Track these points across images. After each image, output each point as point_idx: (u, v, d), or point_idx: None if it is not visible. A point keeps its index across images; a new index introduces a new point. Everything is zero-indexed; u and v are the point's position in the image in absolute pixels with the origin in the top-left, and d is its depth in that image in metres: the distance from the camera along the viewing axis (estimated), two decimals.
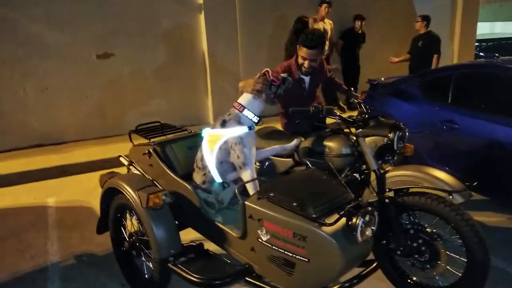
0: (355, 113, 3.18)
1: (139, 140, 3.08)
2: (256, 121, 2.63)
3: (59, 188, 4.98)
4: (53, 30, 6.17)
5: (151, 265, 2.64)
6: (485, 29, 17.18)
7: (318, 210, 1.98)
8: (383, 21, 8.49)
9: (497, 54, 4.16)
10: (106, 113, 6.73)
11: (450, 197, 2.37)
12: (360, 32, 7.77)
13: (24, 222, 4.08)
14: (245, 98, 2.64)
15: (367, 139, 2.61)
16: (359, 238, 1.94)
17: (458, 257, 2.38)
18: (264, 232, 2.12)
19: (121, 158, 3.27)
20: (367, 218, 1.97)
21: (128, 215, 2.81)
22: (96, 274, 3.15)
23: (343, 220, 1.95)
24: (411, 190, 2.46)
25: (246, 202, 2.20)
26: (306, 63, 3.20)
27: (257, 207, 2.14)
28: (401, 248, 2.45)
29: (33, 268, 3.27)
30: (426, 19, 6.98)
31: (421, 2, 8.80)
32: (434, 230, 2.41)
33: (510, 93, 3.59)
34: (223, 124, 2.60)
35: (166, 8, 6.81)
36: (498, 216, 3.77)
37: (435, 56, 6.88)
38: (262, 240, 2.15)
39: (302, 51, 3.17)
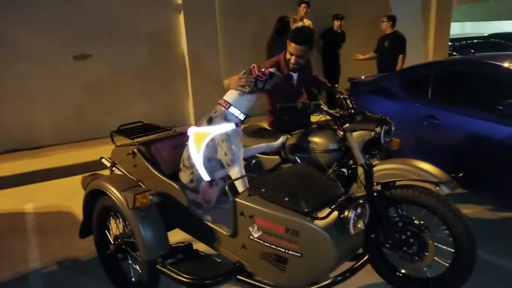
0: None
1: (121, 141, 3.01)
2: (242, 118, 2.60)
3: (37, 193, 4.84)
4: (28, 30, 5.99)
5: (138, 268, 2.58)
6: (457, 29, 17.67)
7: (310, 205, 1.98)
8: (363, 21, 8.58)
9: (472, 51, 4.27)
10: (85, 116, 6.58)
11: (437, 188, 2.41)
12: (339, 31, 7.84)
13: (2, 229, 3.94)
14: (230, 95, 2.60)
15: (354, 133, 2.63)
16: (352, 231, 1.95)
17: (445, 247, 2.42)
18: (255, 228, 2.10)
19: (103, 160, 3.19)
20: (359, 210, 1.98)
21: (112, 218, 2.74)
22: (81, 279, 3.06)
23: (335, 213, 1.95)
24: (398, 183, 2.48)
25: (237, 199, 2.17)
26: (293, 59, 3.20)
27: (249, 204, 2.11)
28: (390, 241, 2.47)
29: (13, 276, 3.15)
30: (391, 19, 7.01)
31: (397, 3, 8.97)
32: (422, 222, 2.44)
33: (487, 87, 3.68)
34: (210, 121, 2.57)
35: (144, 8, 6.72)
36: (477, 209, 3.85)
37: (401, 56, 6.88)
38: (254, 237, 2.12)
39: (291, 47, 3.18)
